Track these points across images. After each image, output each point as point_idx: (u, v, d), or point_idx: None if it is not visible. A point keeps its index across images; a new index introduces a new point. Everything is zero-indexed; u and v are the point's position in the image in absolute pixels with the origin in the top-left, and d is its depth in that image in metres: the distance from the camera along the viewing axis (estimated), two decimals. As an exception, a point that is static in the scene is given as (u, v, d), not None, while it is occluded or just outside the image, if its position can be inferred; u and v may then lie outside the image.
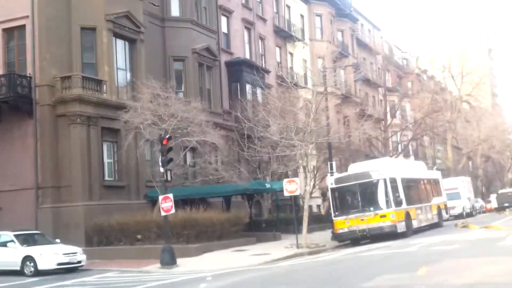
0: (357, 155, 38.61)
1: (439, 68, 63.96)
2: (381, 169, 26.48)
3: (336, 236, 26.28)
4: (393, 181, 26.47)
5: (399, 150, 48.15)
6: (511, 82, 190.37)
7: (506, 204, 50.99)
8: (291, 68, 42.09)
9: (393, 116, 50.85)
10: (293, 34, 42.86)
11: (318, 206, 40.03)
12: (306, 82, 42.10)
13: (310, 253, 22.63)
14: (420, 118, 50.03)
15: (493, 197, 53.86)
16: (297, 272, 16.08)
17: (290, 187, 24.45)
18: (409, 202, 27.56)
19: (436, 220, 32.24)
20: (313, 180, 27.40)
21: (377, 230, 25.49)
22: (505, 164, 74.07)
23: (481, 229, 27.59)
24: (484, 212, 51.65)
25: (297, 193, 24.99)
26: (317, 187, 32.18)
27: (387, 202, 25.79)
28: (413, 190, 29.85)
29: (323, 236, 27.23)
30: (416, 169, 32.88)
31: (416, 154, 58.69)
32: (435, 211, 32.35)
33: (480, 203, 52.51)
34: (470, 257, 15.16)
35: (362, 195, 26.48)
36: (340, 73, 45.95)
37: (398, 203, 26.16)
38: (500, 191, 57.51)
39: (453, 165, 55.87)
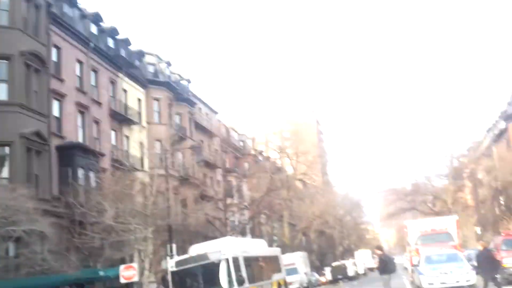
0: (196, 237, 38.31)
1: (274, 149, 66.81)
2: (223, 249, 26.36)
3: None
4: (235, 260, 26.49)
5: (237, 229, 48.68)
6: (339, 161, 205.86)
7: (340, 276, 53.65)
8: (127, 151, 41.40)
9: (231, 196, 51.59)
10: (129, 117, 42.48)
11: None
12: (143, 165, 41.59)
13: None
14: (259, 197, 51.38)
15: (327, 270, 56.23)
16: None
17: (127, 273, 23.45)
18: (251, 281, 27.60)
19: None
20: (149, 264, 26.55)
21: None
22: (337, 237, 78.21)
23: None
24: (319, 285, 53.35)
25: (135, 279, 23.98)
26: (152, 272, 31.06)
27: (229, 282, 25.66)
28: (255, 268, 30.09)
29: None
30: (257, 247, 33.33)
31: (253, 232, 59.63)
32: (275, 288, 32.95)
33: (315, 276, 54.34)
34: None
35: (204, 277, 26.24)
36: (179, 156, 46.10)
37: (240, 283, 26.14)
38: (333, 264, 60.37)
39: (289, 241, 57.67)
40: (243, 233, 48.99)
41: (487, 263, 21.37)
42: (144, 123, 45.68)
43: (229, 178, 56.71)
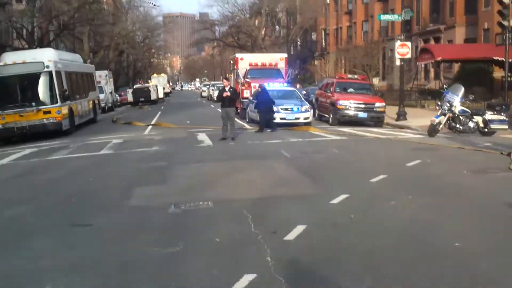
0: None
1: None
2: (45, 60, 23.34)
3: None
4: (59, 74, 23.97)
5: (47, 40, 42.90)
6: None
7: (142, 99, 52.15)
8: None
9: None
10: None
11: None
12: None
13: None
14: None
15: (129, 91, 54.15)
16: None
17: None
18: (71, 98, 25.56)
19: (92, 115, 30.90)
20: None
21: (40, 128, 22.88)
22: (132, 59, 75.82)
23: (150, 126, 26.92)
24: (120, 105, 51.41)
25: None
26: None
27: (52, 97, 23.28)
28: (74, 84, 27.43)
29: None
30: (74, 61, 30.11)
31: (41, 43, 52.52)
32: (91, 106, 30.88)
33: (117, 96, 52.03)
34: (195, 163, 13.67)
35: (22, 89, 23.24)
36: None
37: (64, 99, 23.86)
38: (135, 86, 58.41)
39: (88, 58, 53.04)
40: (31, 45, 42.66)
41: (265, 104, 21.52)
42: None
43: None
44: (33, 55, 24.51)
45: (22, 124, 22.55)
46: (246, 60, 31.33)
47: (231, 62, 35.83)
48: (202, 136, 20.29)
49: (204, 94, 68.90)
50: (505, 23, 20.41)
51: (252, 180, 11.33)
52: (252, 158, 14.36)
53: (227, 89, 19.18)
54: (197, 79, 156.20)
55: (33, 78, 23.15)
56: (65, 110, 23.93)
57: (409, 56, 26.10)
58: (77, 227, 8.13)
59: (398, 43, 25.55)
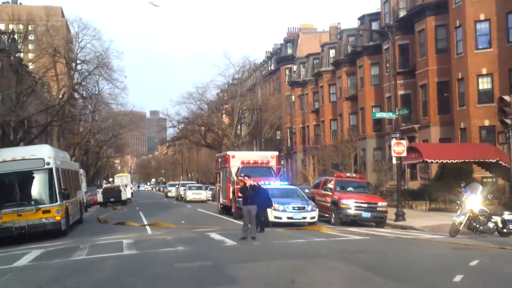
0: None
1: (48, 50, 53.33)
2: (47, 157, 22.94)
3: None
4: (58, 171, 23.48)
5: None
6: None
7: (112, 199, 50.52)
8: None
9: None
10: None
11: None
12: None
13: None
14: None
15: (98, 191, 52.77)
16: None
17: None
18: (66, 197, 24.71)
19: (79, 215, 29.95)
20: None
21: (39, 227, 22.11)
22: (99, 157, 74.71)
23: (149, 226, 26.24)
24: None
25: None
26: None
27: (52, 195, 22.77)
28: (67, 182, 26.68)
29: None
30: (65, 159, 29.37)
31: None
32: (78, 206, 30.03)
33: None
34: (244, 262, 13.36)
35: (20, 186, 22.49)
36: None
37: (63, 197, 23.24)
38: (105, 186, 57.18)
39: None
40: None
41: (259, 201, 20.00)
42: None
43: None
44: (30, 152, 23.90)
45: (20, 224, 21.73)
46: (237, 158, 31.51)
47: (219, 160, 35.88)
48: (216, 236, 19.90)
49: (170, 194, 67.73)
50: (508, 121, 21.21)
51: (325, 279, 11.17)
52: (297, 257, 14.13)
53: (248, 186, 19.03)
54: (153, 179, 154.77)
55: (32, 176, 22.72)
56: (63, 209, 23.11)
57: (404, 154, 26.70)
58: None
59: (393, 141, 26.18)
